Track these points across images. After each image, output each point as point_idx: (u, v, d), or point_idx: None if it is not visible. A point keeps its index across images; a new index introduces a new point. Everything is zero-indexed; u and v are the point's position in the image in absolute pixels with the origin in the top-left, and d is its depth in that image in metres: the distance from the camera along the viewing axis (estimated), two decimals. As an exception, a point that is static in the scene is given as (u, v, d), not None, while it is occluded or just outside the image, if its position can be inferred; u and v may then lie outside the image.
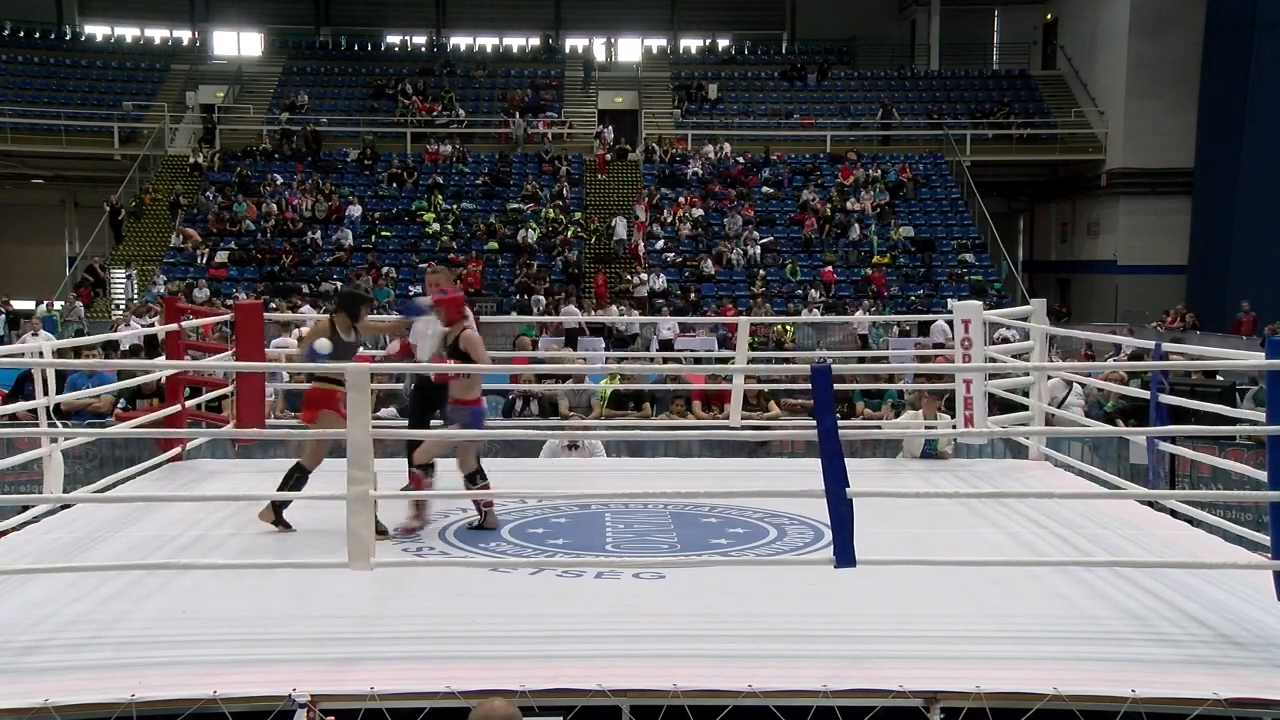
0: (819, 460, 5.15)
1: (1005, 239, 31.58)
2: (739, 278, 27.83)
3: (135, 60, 36.64)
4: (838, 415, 5.36)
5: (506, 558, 6.43)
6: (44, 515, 7.05)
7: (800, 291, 26.98)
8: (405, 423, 8.18)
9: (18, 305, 25.89)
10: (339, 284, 26.79)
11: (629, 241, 29.30)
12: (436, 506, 7.46)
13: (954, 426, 9.22)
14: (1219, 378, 10.95)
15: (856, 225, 29.80)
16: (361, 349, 7.57)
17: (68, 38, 37.70)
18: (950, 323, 10.56)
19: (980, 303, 10.23)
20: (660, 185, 31.33)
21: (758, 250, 28.73)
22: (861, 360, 17.27)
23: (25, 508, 6.89)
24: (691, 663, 4.66)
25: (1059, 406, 11.23)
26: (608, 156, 32.07)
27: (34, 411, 7.25)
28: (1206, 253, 30.22)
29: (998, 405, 9.85)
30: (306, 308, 21.59)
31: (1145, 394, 8.01)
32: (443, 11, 40.09)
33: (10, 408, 8.64)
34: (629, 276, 27.51)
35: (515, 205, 30.12)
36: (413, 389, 7.92)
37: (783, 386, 11.33)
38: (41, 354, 8.05)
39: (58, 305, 25.75)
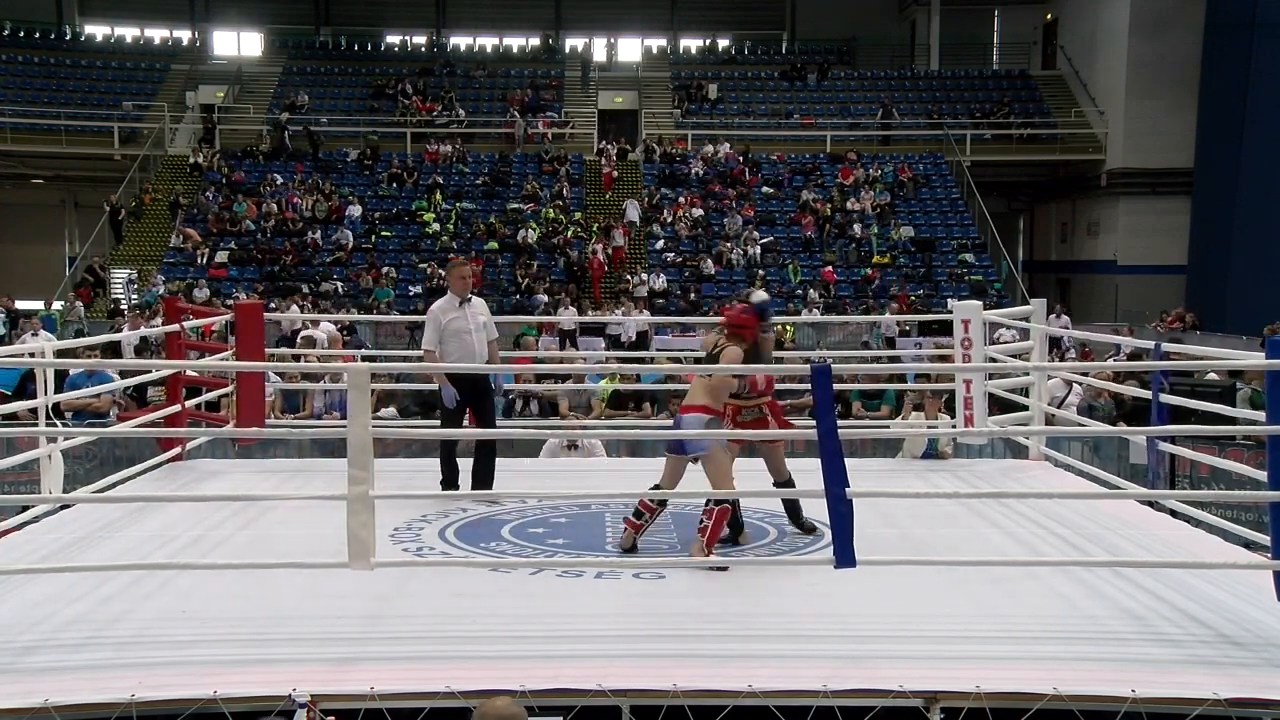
0: (819, 460, 5.15)
1: (1005, 239, 31.57)
2: (739, 278, 27.82)
3: (135, 60, 36.63)
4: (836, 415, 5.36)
5: (506, 558, 6.43)
6: (44, 515, 7.05)
7: (800, 291, 26.98)
8: (403, 422, 8.20)
9: (20, 305, 25.85)
10: (339, 284, 26.82)
11: (638, 225, 29.73)
12: (437, 506, 7.47)
13: (954, 426, 9.22)
14: (1223, 376, 10.96)
15: (857, 225, 29.80)
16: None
17: (68, 38, 37.69)
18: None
19: (980, 303, 10.23)
20: (660, 185, 31.34)
21: (758, 250, 28.73)
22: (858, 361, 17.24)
23: (25, 508, 6.89)
24: (691, 663, 4.66)
25: (1059, 407, 11.24)
26: (615, 173, 31.63)
27: (34, 411, 7.25)
28: (1206, 253, 30.22)
29: (998, 405, 9.85)
30: (294, 308, 21.56)
31: (1140, 392, 8.03)
32: (443, 11, 40.08)
33: (10, 407, 8.65)
34: (629, 277, 27.52)
35: (515, 205, 30.12)
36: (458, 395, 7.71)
37: (782, 387, 11.30)
38: (43, 354, 8.05)
39: (57, 305, 25.72)
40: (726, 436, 6.54)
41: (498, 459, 7.98)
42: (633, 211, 30.18)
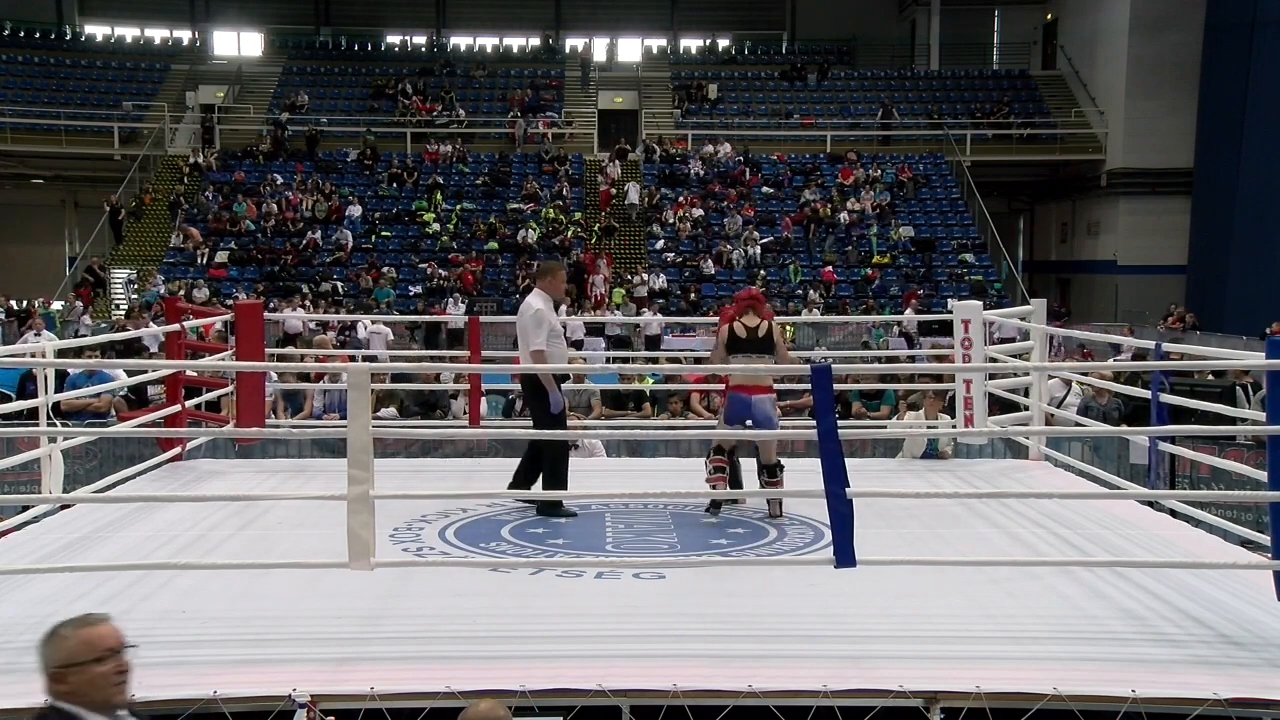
0: (819, 460, 5.16)
1: (1005, 239, 31.58)
2: (739, 278, 27.82)
3: (135, 60, 36.65)
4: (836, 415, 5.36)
5: (506, 558, 6.42)
6: (44, 515, 7.06)
7: (800, 291, 26.99)
8: (403, 422, 8.14)
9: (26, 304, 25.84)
10: (339, 284, 26.83)
11: (640, 207, 30.19)
12: (437, 506, 7.47)
13: (954, 426, 9.22)
14: (1224, 376, 10.98)
15: (842, 217, 29.75)
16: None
17: (68, 38, 37.70)
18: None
19: (980, 303, 10.22)
20: (660, 185, 31.33)
21: (758, 250, 28.75)
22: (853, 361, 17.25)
23: (25, 508, 6.89)
24: (691, 663, 4.66)
25: (1058, 407, 11.23)
26: (613, 191, 31.26)
27: (34, 411, 7.25)
28: (1206, 253, 30.23)
29: (998, 405, 9.85)
30: (290, 310, 21.60)
31: (1140, 392, 8.03)
32: (443, 11, 40.09)
33: (10, 406, 8.65)
34: (630, 277, 27.52)
35: (515, 205, 30.13)
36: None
37: (782, 387, 11.31)
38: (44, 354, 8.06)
39: (57, 305, 25.72)
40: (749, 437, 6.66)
41: (497, 459, 7.94)
42: (634, 194, 30.26)
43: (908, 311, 22.76)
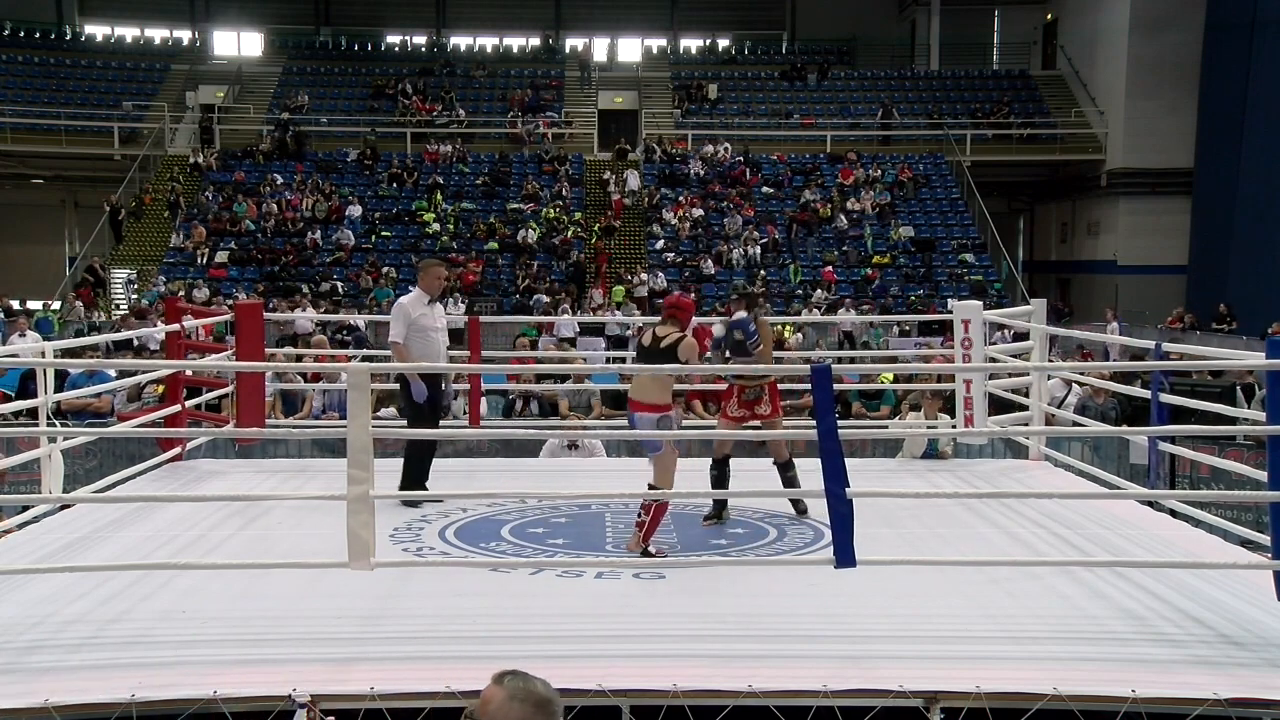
0: (819, 460, 5.16)
1: (1005, 239, 31.57)
2: (739, 277, 27.80)
3: (135, 60, 36.64)
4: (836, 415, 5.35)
5: (506, 558, 6.43)
6: (44, 515, 7.06)
7: (800, 291, 26.99)
8: (402, 422, 8.15)
9: (30, 305, 25.79)
10: (339, 284, 26.82)
11: (639, 196, 30.37)
12: (437, 506, 7.47)
13: (954, 426, 9.22)
14: (1222, 375, 10.97)
15: (843, 223, 29.74)
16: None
17: (68, 38, 37.69)
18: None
19: (980, 303, 10.22)
20: (660, 185, 31.32)
21: (758, 250, 28.74)
22: (855, 360, 17.25)
23: (25, 508, 6.90)
24: (691, 663, 4.66)
25: (1059, 407, 11.23)
26: (626, 201, 31.01)
27: (34, 411, 7.25)
28: (1206, 253, 30.22)
29: (995, 405, 9.85)
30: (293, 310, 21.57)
31: (1139, 392, 8.03)
32: (443, 11, 40.08)
33: (10, 406, 8.65)
34: (630, 277, 27.50)
35: (515, 205, 30.12)
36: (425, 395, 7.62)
37: (781, 386, 11.30)
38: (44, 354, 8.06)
39: (56, 305, 25.72)
40: (724, 436, 6.57)
41: (497, 459, 7.97)
42: (633, 181, 30.34)
43: (842, 311, 22.76)
